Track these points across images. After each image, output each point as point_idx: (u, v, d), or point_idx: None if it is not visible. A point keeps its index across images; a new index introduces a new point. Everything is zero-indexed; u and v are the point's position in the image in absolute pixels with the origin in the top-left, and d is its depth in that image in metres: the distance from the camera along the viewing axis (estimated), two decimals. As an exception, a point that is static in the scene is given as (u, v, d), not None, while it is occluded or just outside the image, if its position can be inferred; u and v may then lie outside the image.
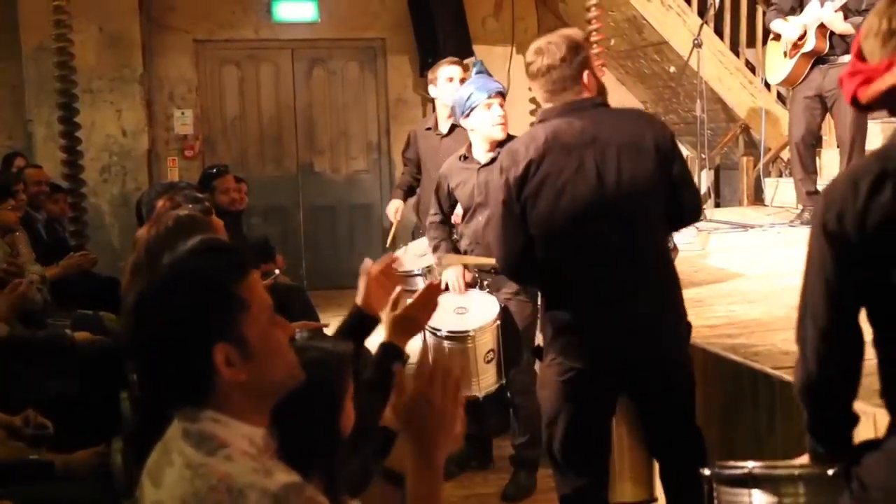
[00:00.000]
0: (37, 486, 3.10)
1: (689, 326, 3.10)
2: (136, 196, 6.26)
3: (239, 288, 1.55)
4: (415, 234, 5.33)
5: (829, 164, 6.42)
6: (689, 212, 3.14)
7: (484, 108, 4.08)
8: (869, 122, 5.67)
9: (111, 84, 8.28)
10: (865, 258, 1.80)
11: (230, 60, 9.03)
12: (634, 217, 2.94)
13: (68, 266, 5.40)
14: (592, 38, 7.31)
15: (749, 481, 2.02)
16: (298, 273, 8.73)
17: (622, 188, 2.90)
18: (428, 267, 4.52)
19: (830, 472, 1.93)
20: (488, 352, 4.02)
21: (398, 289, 2.40)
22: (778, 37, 6.02)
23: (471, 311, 4.09)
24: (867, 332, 1.90)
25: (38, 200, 6.07)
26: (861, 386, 1.93)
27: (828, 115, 6.08)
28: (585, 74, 3.00)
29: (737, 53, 7.92)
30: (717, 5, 6.89)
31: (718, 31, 7.92)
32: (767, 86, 7.34)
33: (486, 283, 4.22)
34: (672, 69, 8.17)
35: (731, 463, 2.13)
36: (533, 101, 9.15)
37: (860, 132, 5.71)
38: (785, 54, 5.91)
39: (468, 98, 4.10)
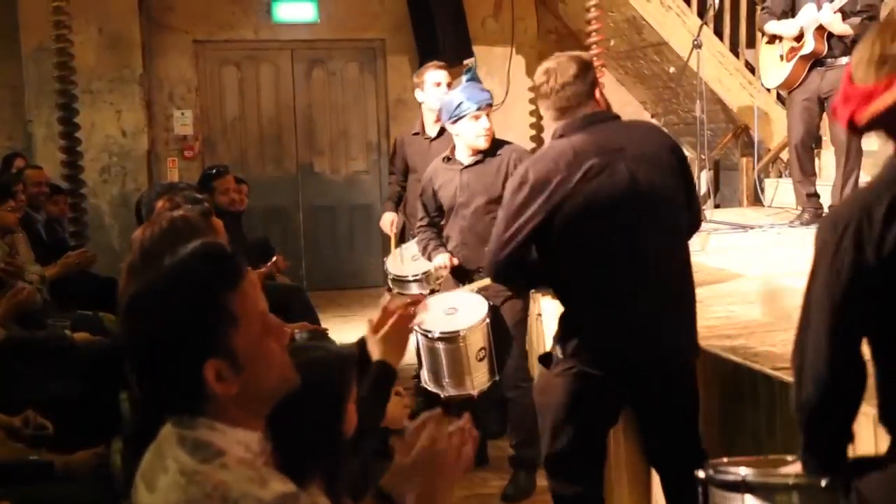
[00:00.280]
0: (36, 486, 3.10)
1: (698, 349, 3.15)
2: (135, 197, 6.25)
3: (231, 301, 1.52)
4: (405, 238, 5.32)
5: (829, 166, 6.42)
6: (696, 222, 3.24)
7: (472, 119, 4.18)
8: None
9: (111, 85, 8.29)
10: (881, 285, 1.80)
11: (230, 61, 9.03)
12: (665, 225, 2.98)
13: (67, 265, 5.40)
14: (592, 39, 7.32)
15: (742, 487, 2.02)
16: (298, 273, 8.72)
17: (654, 196, 2.93)
18: (426, 273, 4.53)
19: (823, 482, 1.93)
20: (479, 350, 4.07)
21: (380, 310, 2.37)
22: (772, 40, 6.02)
23: (460, 311, 4.13)
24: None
25: (37, 201, 6.07)
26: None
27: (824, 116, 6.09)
28: (596, 92, 3.05)
29: (736, 54, 7.92)
30: (716, 6, 6.88)
31: (718, 32, 7.92)
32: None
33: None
34: (672, 70, 8.17)
35: (726, 461, 2.13)
36: (533, 101, 9.16)
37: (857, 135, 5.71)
38: (781, 57, 5.91)
39: (457, 106, 4.18)
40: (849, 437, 1.97)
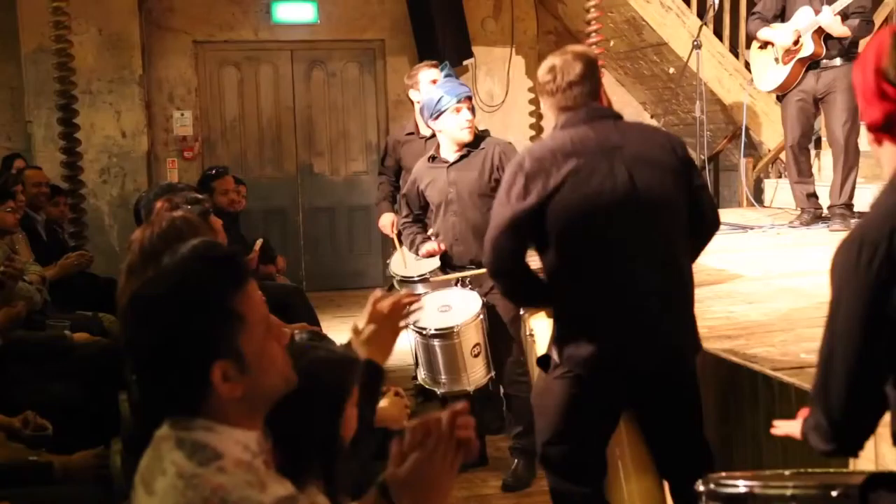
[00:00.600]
0: (36, 487, 3.09)
1: (699, 345, 3.13)
2: (135, 197, 6.24)
3: (237, 302, 1.53)
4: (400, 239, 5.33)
5: (828, 167, 6.42)
6: (710, 222, 3.16)
7: (453, 112, 4.26)
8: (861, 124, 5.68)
9: (110, 85, 8.29)
10: None
11: (229, 62, 9.03)
12: (662, 226, 2.95)
13: (66, 266, 5.41)
14: (592, 40, 7.32)
15: (744, 500, 2.00)
16: (298, 274, 8.74)
17: (650, 193, 2.91)
18: (432, 271, 4.54)
19: (835, 493, 1.90)
20: (474, 346, 4.13)
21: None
22: (764, 45, 6.03)
23: (454, 307, 4.19)
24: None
25: (37, 202, 6.06)
26: None
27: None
28: (601, 91, 3.05)
29: (736, 55, 7.92)
30: (716, 7, 6.89)
31: (718, 33, 7.92)
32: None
33: (468, 280, 4.32)
34: (671, 70, 8.17)
35: (726, 475, 2.11)
36: (532, 101, 9.16)
37: (853, 133, 5.74)
38: (777, 61, 5.92)
39: (438, 101, 4.27)
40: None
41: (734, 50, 7.95)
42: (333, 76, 9.20)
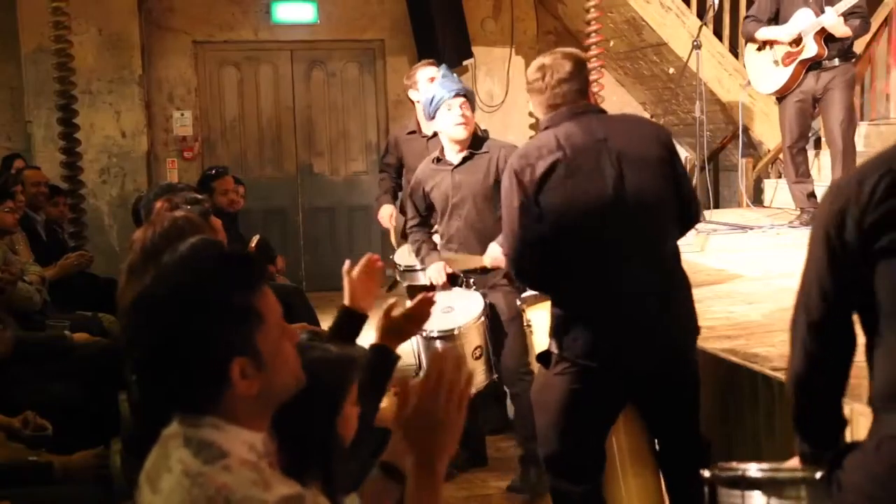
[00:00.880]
0: (36, 487, 3.09)
1: (697, 330, 3.11)
2: (135, 197, 6.26)
3: (256, 301, 1.57)
4: (404, 235, 5.32)
5: (827, 167, 6.42)
6: (692, 212, 3.16)
7: (446, 108, 4.20)
8: (859, 123, 5.71)
9: (110, 85, 8.28)
10: (865, 257, 1.81)
11: (229, 62, 9.03)
12: (650, 216, 2.95)
13: (66, 266, 5.41)
14: (591, 40, 7.32)
15: (750, 484, 2.02)
16: (297, 274, 8.73)
17: (638, 187, 2.92)
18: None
19: (818, 475, 1.93)
20: (475, 348, 4.09)
21: (393, 300, 2.45)
22: (762, 46, 6.03)
23: (456, 309, 4.15)
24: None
25: (37, 202, 6.07)
26: (860, 388, 1.93)
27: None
28: (589, 90, 3.09)
29: (736, 55, 7.91)
30: (715, 7, 6.88)
31: (717, 33, 7.92)
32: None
33: (471, 280, 4.27)
34: (671, 70, 8.17)
35: (733, 464, 2.13)
36: (532, 102, 9.16)
37: (850, 131, 5.74)
38: (776, 63, 5.92)
39: (432, 99, 4.23)
40: (840, 418, 1.98)
41: (734, 50, 7.95)
42: (333, 76, 9.20)
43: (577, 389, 2.99)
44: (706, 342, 3.48)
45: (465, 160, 4.25)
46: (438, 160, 4.35)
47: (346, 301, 2.45)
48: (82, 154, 6.97)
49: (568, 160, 2.91)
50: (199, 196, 3.74)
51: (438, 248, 4.42)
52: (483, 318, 4.11)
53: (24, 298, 4.68)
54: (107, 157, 8.32)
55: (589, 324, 2.97)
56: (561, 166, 2.91)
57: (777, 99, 6.17)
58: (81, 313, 5.21)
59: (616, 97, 9.00)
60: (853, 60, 6.03)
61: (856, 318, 1.92)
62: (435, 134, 5.07)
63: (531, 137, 8.97)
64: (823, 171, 6.61)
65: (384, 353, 2.32)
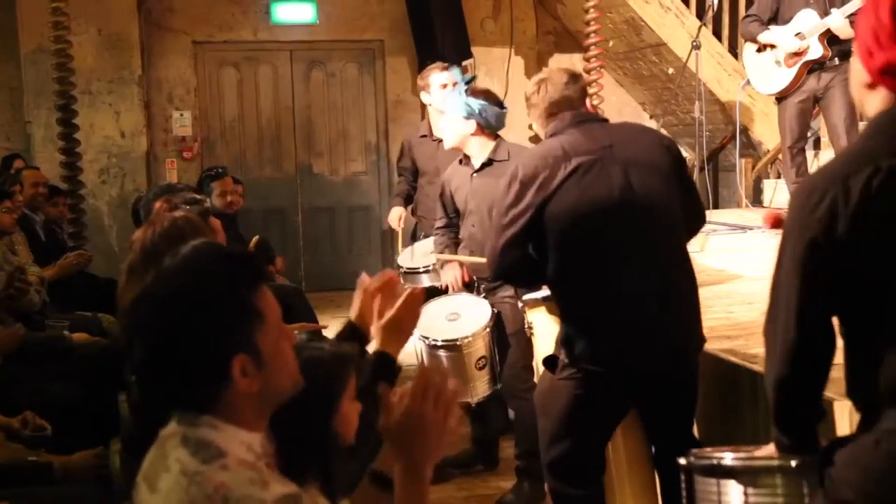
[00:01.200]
0: (36, 487, 3.09)
1: (702, 337, 3.14)
2: (134, 198, 6.26)
3: (256, 299, 1.58)
4: (416, 237, 5.30)
5: (828, 166, 6.43)
6: (697, 216, 3.22)
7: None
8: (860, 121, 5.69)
9: (110, 86, 8.28)
10: (854, 257, 1.78)
11: (229, 62, 9.03)
12: (657, 220, 2.98)
13: (65, 266, 5.41)
14: (591, 40, 7.32)
15: (726, 472, 2.03)
16: (297, 275, 8.73)
17: (648, 193, 2.95)
18: (433, 264, 4.52)
19: (794, 463, 1.94)
20: (479, 358, 4.03)
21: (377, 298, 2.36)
22: (763, 47, 6.02)
23: (463, 317, 4.10)
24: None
25: (36, 202, 6.07)
26: (840, 381, 1.93)
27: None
28: (587, 101, 3.16)
29: (735, 55, 7.91)
30: (715, 7, 6.89)
31: (717, 33, 7.92)
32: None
33: (482, 287, 4.21)
34: (670, 71, 8.17)
35: (708, 451, 2.13)
36: (531, 102, 9.16)
37: (854, 128, 5.74)
38: (778, 63, 5.91)
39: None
40: (819, 411, 1.97)
41: (733, 50, 7.95)
42: (333, 76, 9.20)
43: (582, 395, 3.00)
44: (706, 342, 3.48)
45: (484, 166, 4.15)
46: (462, 161, 4.28)
47: (353, 315, 2.36)
48: (82, 154, 6.98)
49: (576, 169, 2.94)
50: (199, 196, 3.75)
51: (458, 249, 4.35)
52: (489, 329, 4.04)
53: (24, 299, 4.68)
54: (106, 158, 8.32)
55: (594, 329, 2.99)
56: (571, 176, 2.94)
57: (776, 99, 6.16)
58: (81, 313, 5.21)
59: (615, 97, 9.00)
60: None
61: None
62: None
63: (531, 138, 9.00)
64: (823, 172, 6.60)
65: (386, 361, 2.30)
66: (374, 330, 2.32)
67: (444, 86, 4.98)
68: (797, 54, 5.80)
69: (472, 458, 4.51)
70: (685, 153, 8.23)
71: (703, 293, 4.27)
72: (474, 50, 8.82)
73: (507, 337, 4.14)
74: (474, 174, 4.19)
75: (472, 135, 4.14)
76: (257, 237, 5.79)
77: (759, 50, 6.08)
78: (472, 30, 8.86)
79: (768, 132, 7.61)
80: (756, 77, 6.17)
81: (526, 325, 3.64)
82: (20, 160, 7.18)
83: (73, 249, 6.02)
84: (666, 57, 8.08)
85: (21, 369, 4.10)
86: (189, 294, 1.56)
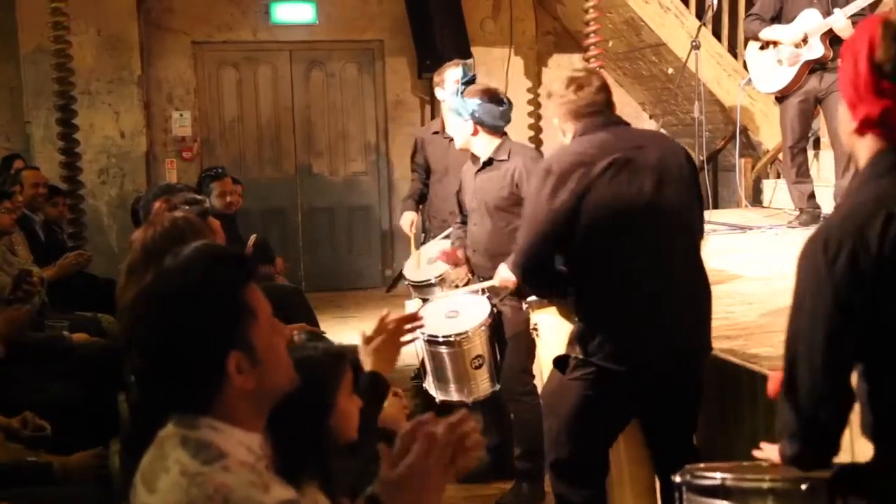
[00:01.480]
0: (35, 487, 3.09)
1: (710, 348, 3.18)
2: (134, 198, 6.26)
3: (247, 296, 1.59)
4: (426, 239, 5.27)
5: (826, 167, 6.43)
6: (701, 228, 3.26)
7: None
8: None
9: (109, 86, 8.29)
10: (881, 305, 1.77)
11: (228, 62, 9.03)
12: (683, 225, 3.06)
13: (64, 266, 5.40)
14: (590, 40, 7.32)
15: (720, 492, 2.02)
16: (297, 275, 8.73)
17: (673, 195, 3.01)
18: (441, 276, 4.50)
19: (804, 486, 1.91)
20: (475, 357, 4.02)
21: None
22: (765, 45, 6.02)
23: (461, 314, 4.10)
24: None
25: (35, 202, 6.06)
26: None
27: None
28: (614, 106, 3.25)
29: (735, 55, 7.91)
30: (714, 7, 6.88)
31: (716, 33, 7.92)
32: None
33: (486, 288, 4.17)
34: (670, 71, 8.17)
35: (703, 467, 2.13)
36: (531, 102, 9.16)
37: None
38: (780, 62, 5.91)
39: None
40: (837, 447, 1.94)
41: (733, 50, 7.94)
42: (332, 77, 9.20)
43: (592, 395, 3.01)
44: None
45: (485, 165, 4.13)
46: (472, 160, 4.26)
47: (369, 337, 2.43)
48: (81, 154, 6.98)
49: (609, 167, 2.98)
50: (198, 196, 3.75)
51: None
52: (487, 326, 4.03)
53: (32, 301, 4.68)
54: (106, 158, 8.32)
55: (614, 324, 3.01)
56: (604, 174, 2.98)
57: (777, 99, 6.16)
58: (80, 314, 5.20)
59: (615, 97, 8.96)
60: (855, 61, 6.01)
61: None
62: None
63: (531, 138, 8.97)
64: (822, 172, 6.61)
65: (377, 382, 2.37)
66: (363, 354, 2.40)
67: (458, 81, 4.96)
68: (798, 53, 5.79)
69: (488, 467, 4.40)
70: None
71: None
72: (474, 50, 8.81)
73: (505, 339, 4.12)
74: (477, 173, 4.19)
75: (472, 135, 4.13)
76: (255, 236, 5.78)
77: (761, 48, 6.08)
78: (472, 30, 8.86)
79: (768, 132, 7.61)
80: (757, 75, 6.17)
81: (531, 326, 3.64)
82: (20, 160, 7.18)
83: (72, 249, 6.02)
84: (665, 57, 8.08)
85: (21, 369, 4.09)
86: (184, 295, 1.56)
